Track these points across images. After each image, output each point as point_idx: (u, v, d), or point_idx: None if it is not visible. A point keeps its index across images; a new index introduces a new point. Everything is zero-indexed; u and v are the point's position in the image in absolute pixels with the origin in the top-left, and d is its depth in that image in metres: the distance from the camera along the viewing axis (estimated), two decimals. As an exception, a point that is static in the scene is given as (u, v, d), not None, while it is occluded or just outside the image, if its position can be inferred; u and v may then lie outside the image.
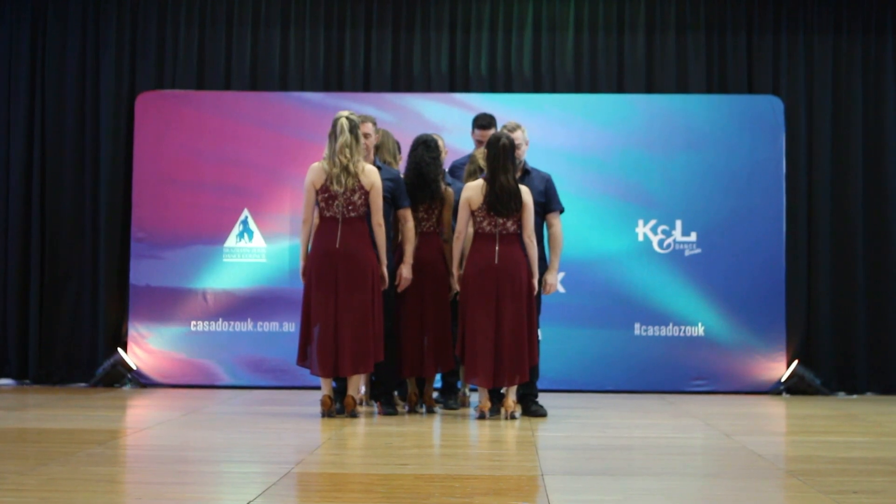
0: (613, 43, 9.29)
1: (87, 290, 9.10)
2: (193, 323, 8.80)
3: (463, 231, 6.68)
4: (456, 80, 9.29)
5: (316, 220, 6.65)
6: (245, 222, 8.87)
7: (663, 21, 9.27)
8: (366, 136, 6.84)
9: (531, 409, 6.85)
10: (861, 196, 9.07)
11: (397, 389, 7.11)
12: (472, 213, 6.63)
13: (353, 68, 9.28)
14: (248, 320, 8.81)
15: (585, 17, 9.28)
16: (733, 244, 8.78)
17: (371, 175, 6.56)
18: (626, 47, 9.28)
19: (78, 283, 9.12)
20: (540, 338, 6.87)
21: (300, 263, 6.69)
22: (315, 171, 6.61)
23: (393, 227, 6.88)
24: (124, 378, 8.80)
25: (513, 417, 6.61)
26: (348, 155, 6.51)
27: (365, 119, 6.94)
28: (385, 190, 6.68)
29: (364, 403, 7.17)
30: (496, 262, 6.58)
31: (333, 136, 6.57)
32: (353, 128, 6.57)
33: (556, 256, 6.92)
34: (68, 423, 6.39)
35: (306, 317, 6.61)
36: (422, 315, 6.87)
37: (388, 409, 6.82)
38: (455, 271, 6.76)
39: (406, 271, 6.78)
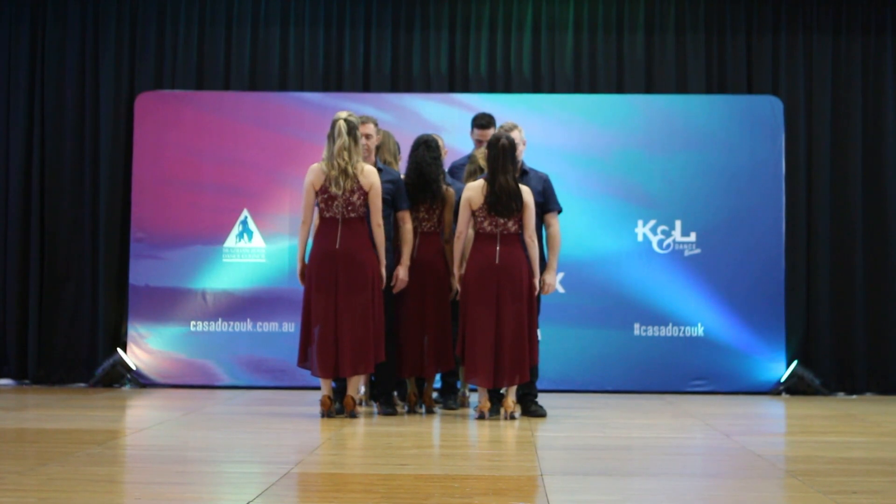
0: (613, 43, 9.29)
1: (87, 290, 9.10)
2: (193, 323, 8.80)
3: (464, 231, 6.68)
4: (455, 81, 9.29)
5: (316, 221, 6.66)
6: (245, 222, 8.87)
7: (663, 21, 9.27)
8: (367, 136, 6.84)
9: (531, 409, 6.85)
10: (860, 196, 9.07)
11: (396, 390, 7.10)
12: (473, 213, 6.63)
13: (353, 68, 9.28)
14: (248, 320, 8.80)
15: (585, 17, 9.28)
16: (733, 244, 8.78)
17: (370, 176, 6.56)
18: (625, 47, 9.28)
19: (77, 283, 9.12)
20: (539, 338, 6.87)
21: (298, 265, 6.69)
22: (314, 171, 6.60)
23: (393, 228, 6.88)
24: (124, 378, 8.80)
25: (512, 418, 6.61)
26: (346, 157, 6.51)
27: (366, 120, 6.94)
28: (385, 192, 6.68)
29: (364, 403, 7.18)
30: (497, 262, 6.58)
31: (332, 138, 6.57)
32: (352, 129, 6.56)
33: (555, 257, 6.93)
34: (67, 424, 6.39)
35: (307, 317, 6.61)
36: (422, 315, 6.87)
37: (388, 410, 6.81)
38: (456, 271, 6.76)
39: (403, 273, 6.77)
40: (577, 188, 8.66)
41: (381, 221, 6.59)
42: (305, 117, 8.88)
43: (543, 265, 6.86)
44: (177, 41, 9.30)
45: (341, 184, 6.51)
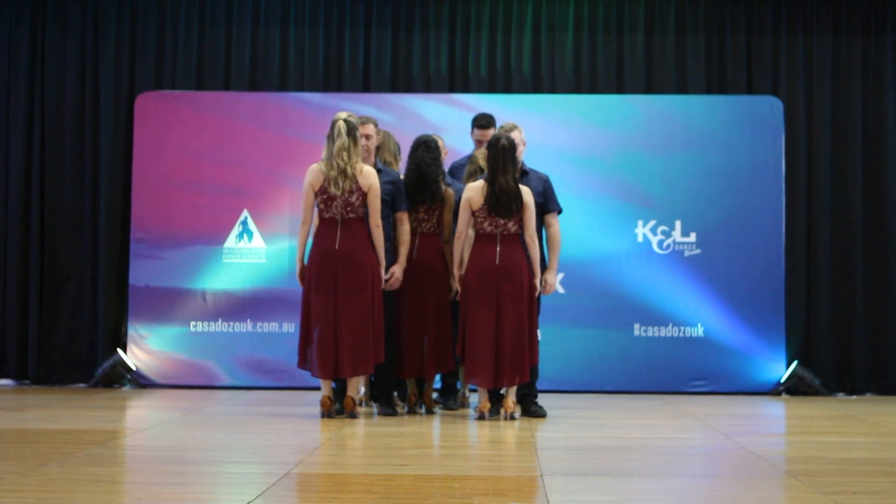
0: (613, 43, 9.29)
1: (87, 290, 9.10)
2: (193, 323, 8.80)
3: (464, 231, 6.68)
4: (455, 81, 9.29)
5: (316, 222, 6.65)
6: (245, 223, 8.87)
7: (663, 22, 9.27)
8: (367, 137, 6.84)
9: (531, 409, 6.85)
10: (860, 196, 9.07)
11: (396, 390, 7.10)
12: (473, 213, 6.63)
13: (353, 69, 9.28)
14: (248, 321, 8.80)
15: (585, 17, 9.28)
16: (733, 245, 8.78)
17: (369, 176, 6.56)
18: (625, 48, 9.28)
19: (77, 283, 9.12)
20: (539, 338, 6.87)
21: (297, 266, 6.68)
22: (314, 172, 6.60)
23: (392, 228, 6.87)
24: (124, 378, 8.80)
25: (512, 418, 6.61)
26: (345, 158, 6.51)
27: (367, 120, 6.93)
28: (384, 192, 6.68)
29: (363, 404, 7.17)
30: (497, 262, 6.58)
31: (331, 138, 6.56)
32: (351, 130, 6.56)
33: (555, 257, 6.93)
34: (67, 424, 6.39)
35: (306, 318, 6.61)
36: (422, 316, 6.87)
37: (388, 410, 6.81)
38: (456, 271, 6.76)
39: (398, 272, 6.76)
40: (577, 188, 8.66)
41: (379, 222, 6.59)
42: (305, 117, 8.88)
43: (544, 266, 6.86)
44: (177, 41, 9.30)
45: (340, 184, 6.51)
